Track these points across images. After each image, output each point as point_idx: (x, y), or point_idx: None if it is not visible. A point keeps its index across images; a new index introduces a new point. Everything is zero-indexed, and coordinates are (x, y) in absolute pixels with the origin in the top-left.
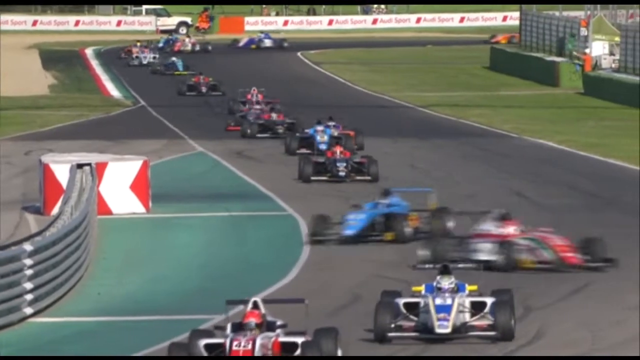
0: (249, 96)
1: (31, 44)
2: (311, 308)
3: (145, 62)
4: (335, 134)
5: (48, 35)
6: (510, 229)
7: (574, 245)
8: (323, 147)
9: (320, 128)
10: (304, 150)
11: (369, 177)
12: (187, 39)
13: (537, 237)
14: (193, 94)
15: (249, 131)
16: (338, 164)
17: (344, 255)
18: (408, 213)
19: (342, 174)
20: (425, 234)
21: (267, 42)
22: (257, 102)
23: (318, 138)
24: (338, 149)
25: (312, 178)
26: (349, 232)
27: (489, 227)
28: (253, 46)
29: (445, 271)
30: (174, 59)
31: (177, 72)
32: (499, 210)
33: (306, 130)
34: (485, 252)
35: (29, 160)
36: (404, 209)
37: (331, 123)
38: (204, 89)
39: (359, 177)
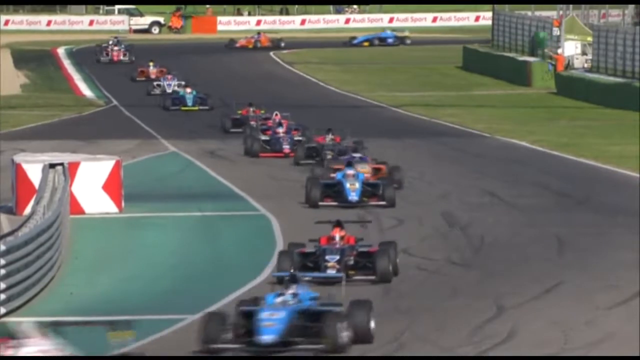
0: (270, 122)
1: (3, 44)
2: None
3: (169, 90)
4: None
5: (20, 35)
6: None
7: None
8: (354, 198)
9: (350, 172)
10: (329, 202)
11: None
12: (115, 47)
13: None
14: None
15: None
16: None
17: None
18: (332, 309)
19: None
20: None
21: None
22: (279, 124)
23: (347, 186)
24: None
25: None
26: (266, 337)
27: None
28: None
29: None
30: (188, 89)
31: (184, 108)
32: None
33: (332, 175)
34: None
35: (1, 160)
36: (314, 302)
37: (357, 155)
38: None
39: None
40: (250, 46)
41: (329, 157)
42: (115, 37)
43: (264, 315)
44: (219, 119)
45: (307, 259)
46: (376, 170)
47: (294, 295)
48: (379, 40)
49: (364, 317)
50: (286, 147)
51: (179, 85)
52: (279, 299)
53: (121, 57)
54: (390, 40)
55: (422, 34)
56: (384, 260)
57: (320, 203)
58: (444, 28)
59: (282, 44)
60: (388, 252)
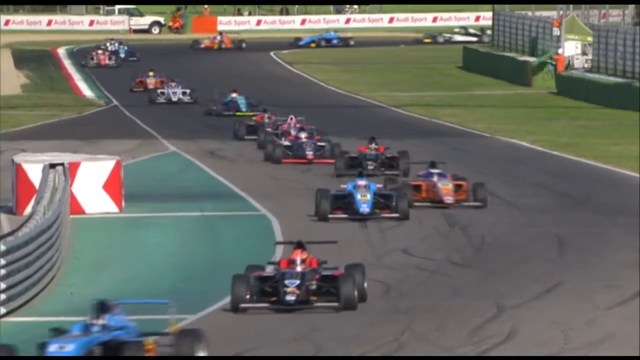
0: (285, 126)
1: (3, 44)
2: None
3: (175, 98)
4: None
5: (20, 35)
6: None
7: None
8: (365, 210)
9: (362, 182)
10: (338, 214)
11: None
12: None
13: None
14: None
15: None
16: None
17: None
18: (141, 339)
19: None
20: None
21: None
22: (300, 129)
23: (358, 197)
24: None
25: None
26: None
27: None
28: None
29: None
30: (234, 95)
31: (239, 113)
32: None
33: (343, 186)
34: None
35: (1, 160)
36: (131, 332)
37: (435, 171)
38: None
39: None
40: (215, 47)
41: (370, 167)
42: (112, 39)
43: (52, 348)
44: (232, 124)
45: (265, 284)
46: (457, 187)
47: (103, 326)
48: (325, 41)
49: (189, 347)
50: (309, 153)
51: (183, 93)
52: (77, 332)
53: (107, 62)
54: (335, 42)
55: (422, 34)
56: (349, 285)
57: (330, 216)
58: (444, 28)
59: (243, 45)
60: (353, 275)
